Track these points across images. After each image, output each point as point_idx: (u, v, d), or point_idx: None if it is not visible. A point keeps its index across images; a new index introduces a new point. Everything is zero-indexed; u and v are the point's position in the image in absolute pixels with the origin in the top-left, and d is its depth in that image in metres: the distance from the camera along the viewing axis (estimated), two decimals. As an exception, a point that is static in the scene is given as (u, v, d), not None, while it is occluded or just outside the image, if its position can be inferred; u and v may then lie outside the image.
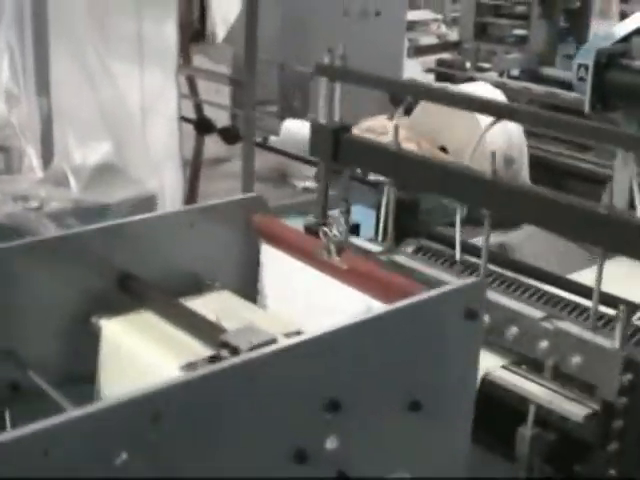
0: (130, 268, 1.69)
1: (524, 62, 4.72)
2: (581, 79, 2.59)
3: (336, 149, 2.15)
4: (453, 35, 5.70)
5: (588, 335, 1.76)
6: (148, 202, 3.07)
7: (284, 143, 4.94)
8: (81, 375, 1.66)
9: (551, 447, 1.75)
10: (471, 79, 4.71)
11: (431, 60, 5.01)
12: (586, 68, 2.57)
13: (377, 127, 4.55)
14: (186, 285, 1.75)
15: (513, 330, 1.83)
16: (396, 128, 2.03)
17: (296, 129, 4.64)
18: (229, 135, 4.95)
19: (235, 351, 1.46)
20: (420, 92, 2.35)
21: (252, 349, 1.45)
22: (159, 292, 1.68)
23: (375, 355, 1.38)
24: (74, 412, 1.10)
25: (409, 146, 4.51)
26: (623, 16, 4.66)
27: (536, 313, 1.84)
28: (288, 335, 1.53)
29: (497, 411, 1.77)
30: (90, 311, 1.67)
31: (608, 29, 2.72)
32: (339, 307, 1.66)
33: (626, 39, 2.60)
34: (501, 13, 5.20)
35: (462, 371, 1.53)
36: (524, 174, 5.18)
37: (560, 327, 1.77)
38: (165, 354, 1.55)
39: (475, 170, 1.94)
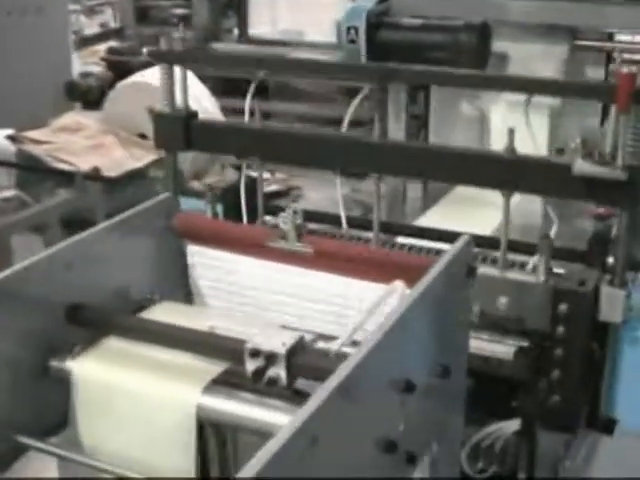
0: (74, 298, 1.48)
1: (191, 41, 4.70)
2: (352, 41, 2.65)
3: (188, 136, 2.04)
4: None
5: (511, 275, 1.84)
6: None
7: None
8: (50, 426, 1.44)
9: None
10: (148, 64, 4.61)
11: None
12: (356, 30, 2.64)
13: (70, 124, 4.32)
14: (127, 304, 1.58)
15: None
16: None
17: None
18: None
19: (271, 357, 1.35)
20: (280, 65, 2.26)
21: (289, 351, 1.35)
22: (120, 315, 1.49)
23: (422, 329, 1.35)
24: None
25: (108, 139, 4.35)
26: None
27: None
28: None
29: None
30: (44, 355, 1.44)
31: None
32: (309, 294, 1.59)
33: (384, -1, 2.71)
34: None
35: (466, 330, 1.54)
36: None
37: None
38: (173, 381, 1.38)
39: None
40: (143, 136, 4.55)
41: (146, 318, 1.51)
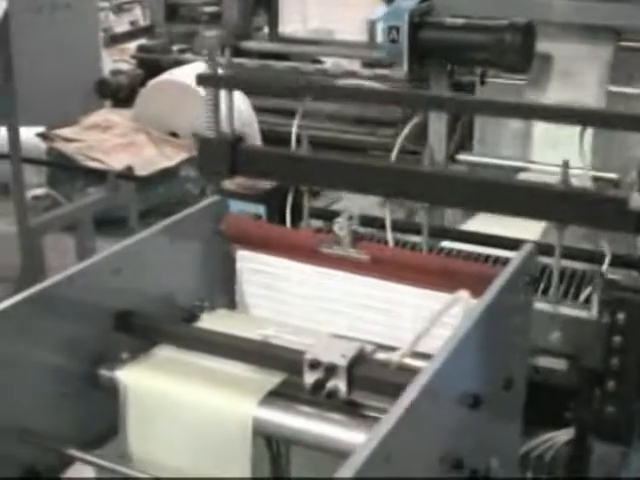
0: (122, 304, 1.44)
1: (222, 39, 4.66)
2: (393, 41, 2.60)
3: (233, 162, 1.99)
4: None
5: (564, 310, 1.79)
6: None
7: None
8: (96, 437, 1.40)
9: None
10: (178, 62, 4.58)
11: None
12: (397, 30, 2.59)
13: (101, 122, 4.30)
14: (175, 311, 1.54)
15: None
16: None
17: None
18: None
19: (331, 369, 1.30)
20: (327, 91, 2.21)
21: (351, 363, 1.30)
22: (170, 323, 1.45)
23: (489, 341, 1.31)
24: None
25: (139, 137, 4.32)
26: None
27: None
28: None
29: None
30: (91, 364, 1.40)
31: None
32: (363, 302, 1.55)
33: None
34: (190, -7, 5.09)
35: (527, 340, 1.50)
36: (257, 144, 5.18)
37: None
38: (228, 392, 1.34)
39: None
40: (174, 134, 4.52)
41: (198, 326, 1.47)
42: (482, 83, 2.82)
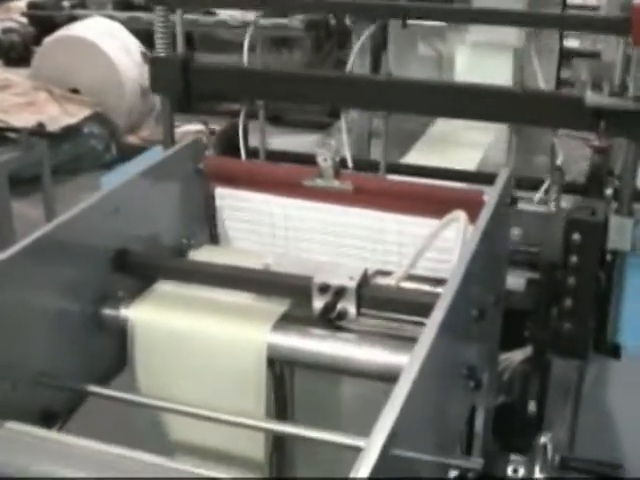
0: (117, 245, 1.45)
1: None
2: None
3: (186, 80, 2.00)
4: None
5: (524, 206, 1.87)
6: None
7: None
8: (103, 376, 1.42)
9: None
10: (73, 18, 4.48)
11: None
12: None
13: (-1, 81, 4.17)
14: (164, 250, 1.55)
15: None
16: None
17: None
18: None
19: (341, 292, 1.35)
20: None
21: (359, 285, 1.35)
22: (171, 259, 1.47)
23: (485, 261, 1.37)
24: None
25: (40, 95, 4.22)
26: None
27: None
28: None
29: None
30: (94, 305, 1.41)
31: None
32: (348, 232, 1.59)
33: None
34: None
35: (506, 260, 1.58)
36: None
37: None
38: (239, 321, 1.37)
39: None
40: (75, 91, 4.43)
41: (198, 260, 1.49)
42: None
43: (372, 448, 0.84)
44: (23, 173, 3.52)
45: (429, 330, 1.06)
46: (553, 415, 1.90)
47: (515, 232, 1.87)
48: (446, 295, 1.14)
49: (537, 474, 1.12)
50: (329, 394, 1.52)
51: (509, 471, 1.15)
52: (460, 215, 1.41)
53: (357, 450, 1.12)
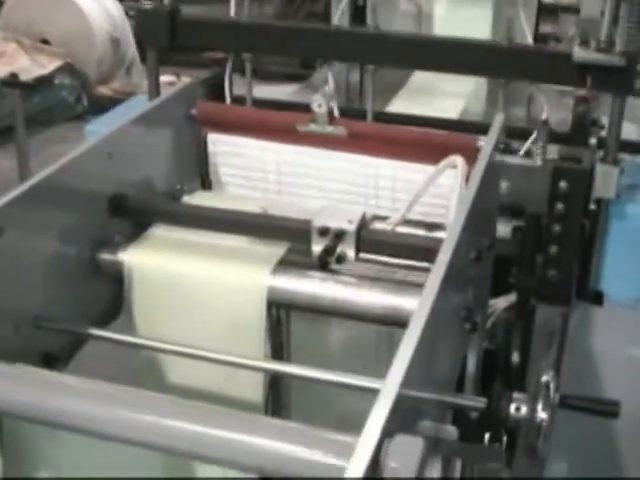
0: (113, 189, 1.45)
1: None
2: None
3: (172, 31, 1.98)
4: None
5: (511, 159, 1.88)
6: None
7: None
8: (102, 320, 1.42)
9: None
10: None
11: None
12: None
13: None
14: (158, 196, 1.55)
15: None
16: None
17: None
18: None
19: (340, 235, 1.36)
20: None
21: (358, 228, 1.36)
22: (167, 202, 1.47)
23: (482, 206, 1.38)
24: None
25: (10, 46, 4.15)
26: None
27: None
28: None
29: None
30: (91, 250, 1.41)
31: None
32: (340, 177, 1.60)
33: None
34: None
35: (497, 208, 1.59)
36: (132, 50, 5.06)
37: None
38: (238, 265, 1.38)
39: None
40: (46, 42, 4.37)
41: (196, 204, 1.49)
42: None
43: (389, 389, 0.85)
44: (-1, 122, 3.48)
45: (436, 273, 1.07)
46: (537, 361, 1.93)
47: (503, 185, 1.88)
48: (450, 238, 1.15)
49: (539, 412, 1.14)
50: (324, 338, 1.54)
51: (511, 409, 1.17)
52: (458, 160, 1.42)
53: (369, 392, 1.15)
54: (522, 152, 1.94)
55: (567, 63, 1.78)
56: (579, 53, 1.76)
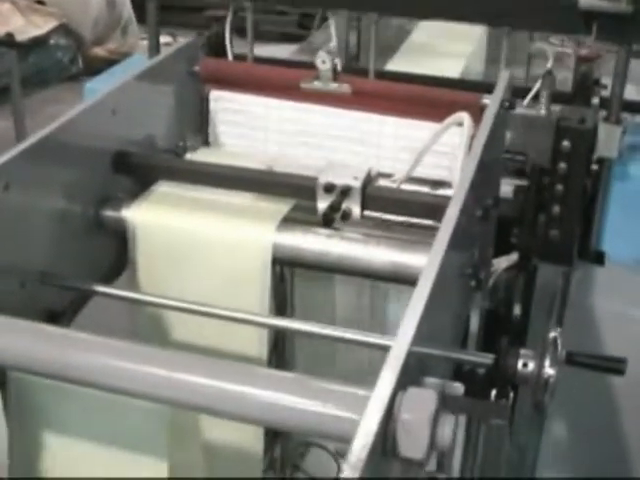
0: (117, 145, 1.44)
1: None
2: None
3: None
4: None
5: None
6: None
7: None
8: (110, 275, 1.42)
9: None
10: None
11: None
12: None
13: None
14: (161, 153, 1.54)
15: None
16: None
17: None
18: None
19: (346, 192, 1.35)
20: None
21: (364, 185, 1.36)
22: (171, 159, 1.46)
23: (489, 161, 1.37)
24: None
25: (5, 6, 4.11)
26: None
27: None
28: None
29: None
30: (95, 207, 1.40)
31: None
32: (343, 134, 1.59)
33: None
34: None
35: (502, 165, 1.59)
36: (128, 10, 5.01)
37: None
38: (243, 221, 1.37)
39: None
40: (40, 2, 4.32)
41: (199, 160, 1.48)
42: None
43: (402, 342, 0.85)
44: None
45: (445, 229, 1.06)
46: (537, 321, 1.94)
47: (507, 135, 1.87)
48: (459, 194, 1.15)
49: (547, 368, 1.14)
50: (328, 297, 1.54)
51: (519, 365, 1.17)
52: (465, 116, 1.41)
53: (375, 348, 1.15)
54: (526, 102, 1.93)
55: (572, 11, 1.76)
56: (587, 1, 1.75)
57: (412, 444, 0.78)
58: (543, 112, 1.84)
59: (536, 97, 1.86)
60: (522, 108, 1.87)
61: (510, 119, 1.81)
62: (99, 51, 4.55)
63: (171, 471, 1.11)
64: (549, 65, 1.91)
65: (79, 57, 4.51)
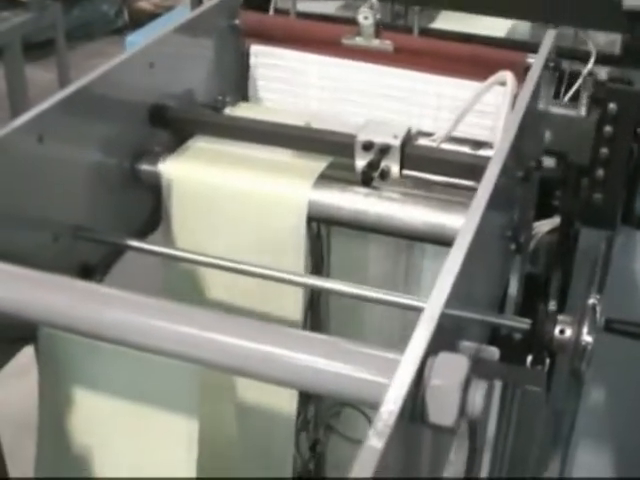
0: (154, 99, 1.42)
1: None
2: None
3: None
4: None
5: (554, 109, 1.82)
6: None
7: None
8: (144, 230, 1.41)
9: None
10: None
11: None
12: None
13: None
14: (199, 107, 1.52)
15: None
16: None
17: None
18: None
19: (385, 150, 1.32)
20: None
21: (403, 144, 1.33)
22: (208, 113, 1.44)
23: (532, 122, 1.33)
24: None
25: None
26: None
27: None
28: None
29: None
30: (130, 161, 1.39)
31: None
32: (384, 92, 1.56)
33: None
34: None
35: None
36: None
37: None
38: (278, 178, 1.35)
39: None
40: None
41: (237, 115, 1.46)
42: None
43: (434, 305, 0.83)
44: (35, 37, 3.44)
45: (484, 189, 1.03)
46: (579, 286, 1.91)
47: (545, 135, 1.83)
48: (499, 154, 1.12)
49: (585, 335, 1.12)
50: (364, 256, 1.52)
51: (556, 332, 1.14)
52: (508, 75, 1.37)
53: (411, 309, 1.13)
54: (567, 98, 1.89)
55: (615, 9, 1.72)
56: (629, 0, 1.70)
57: (441, 410, 0.76)
58: (583, 113, 1.80)
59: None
60: (560, 107, 1.83)
61: (549, 118, 1.77)
62: (144, 4, 4.54)
63: (202, 429, 1.11)
64: (590, 65, 1.86)
65: (124, 10, 4.50)
